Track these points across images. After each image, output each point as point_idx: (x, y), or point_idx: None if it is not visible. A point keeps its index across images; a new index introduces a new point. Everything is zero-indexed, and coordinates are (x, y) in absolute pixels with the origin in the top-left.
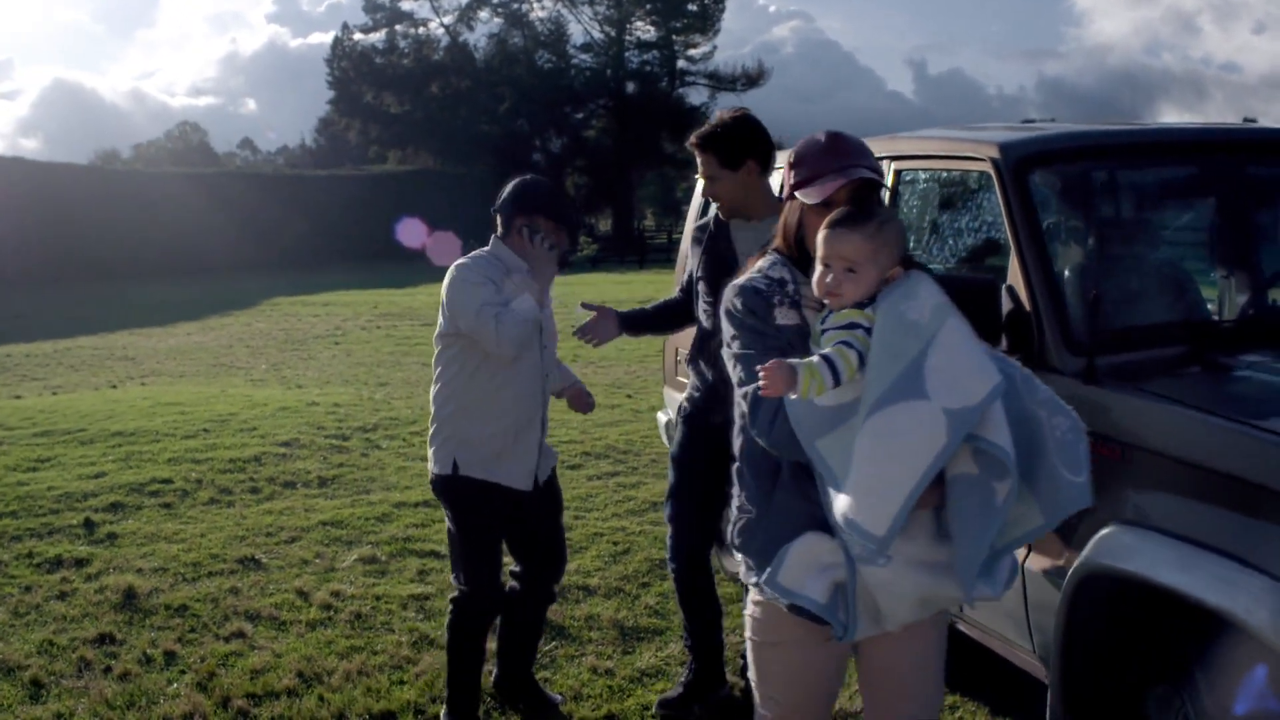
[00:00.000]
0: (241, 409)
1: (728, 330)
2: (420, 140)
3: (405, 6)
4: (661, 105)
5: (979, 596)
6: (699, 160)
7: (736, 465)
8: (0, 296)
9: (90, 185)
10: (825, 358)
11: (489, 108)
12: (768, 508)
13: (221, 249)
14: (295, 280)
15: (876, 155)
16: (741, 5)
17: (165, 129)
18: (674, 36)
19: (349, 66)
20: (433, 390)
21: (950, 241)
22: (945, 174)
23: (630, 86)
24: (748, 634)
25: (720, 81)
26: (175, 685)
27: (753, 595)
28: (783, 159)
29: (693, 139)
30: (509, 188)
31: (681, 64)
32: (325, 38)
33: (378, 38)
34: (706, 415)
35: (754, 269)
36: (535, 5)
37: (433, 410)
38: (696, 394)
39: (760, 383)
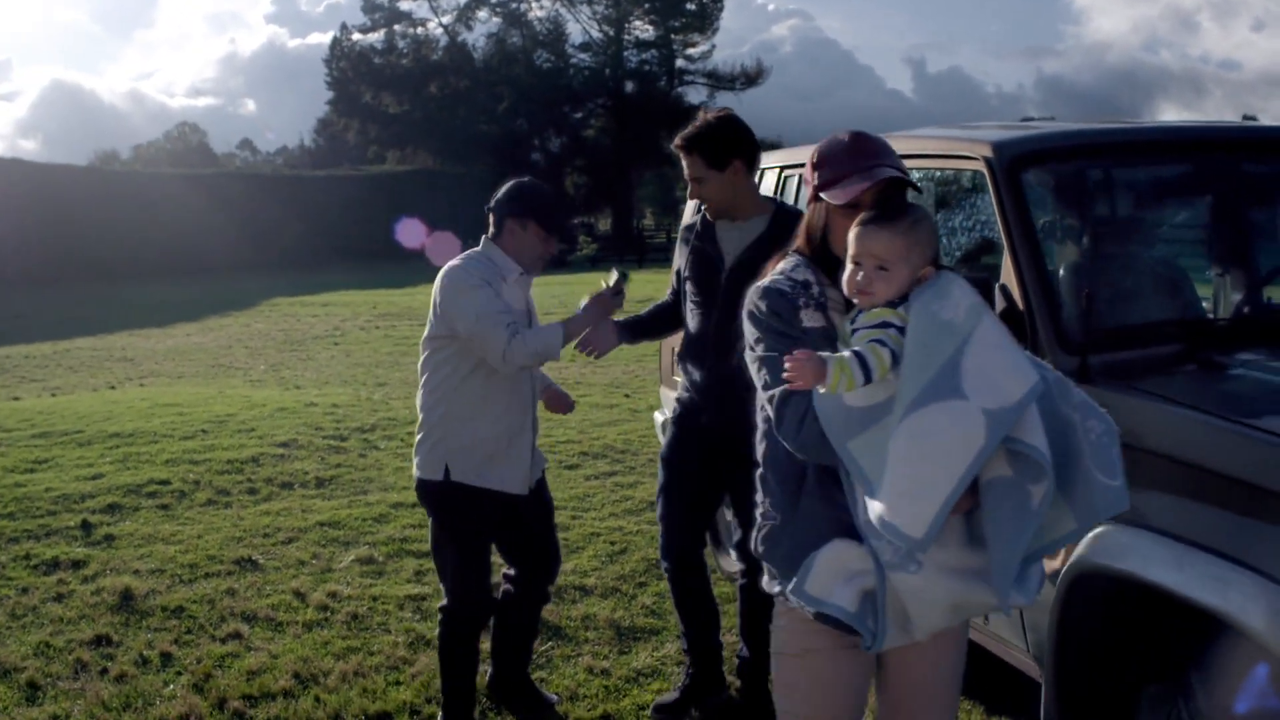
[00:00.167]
0: (240, 410)
1: (751, 333)
2: (419, 140)
3: (404, 6)
4: (660, 104)
5: (1014, 604)
6: (684, 162)
7: (760, 471)
8: None
9: (89, 186)
10: (857, 354)
11: (488, 107)
12: (793, 514)
13: (220, 249)
14: (294, 281)
15: None
16: (740, 4)
17: (164, 130)
18: (672, 35)
19: (348, 67)
20: (420, 394)
21: (944, 241)
22: (940, 173)
23: (629, 86)
24: (773, 648)
25: (719, 80)
26: (171, 687)
27: (777, 606)
28: (776, 158)
29: (678, 141)
30: (504, 188)
31: (680, 63)
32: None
33: (376, 38)
34: (696, 416)
35: (776, 271)
36: (534, 5)
37: (420, 414)
38: (686, 394)
39: (787, 373)
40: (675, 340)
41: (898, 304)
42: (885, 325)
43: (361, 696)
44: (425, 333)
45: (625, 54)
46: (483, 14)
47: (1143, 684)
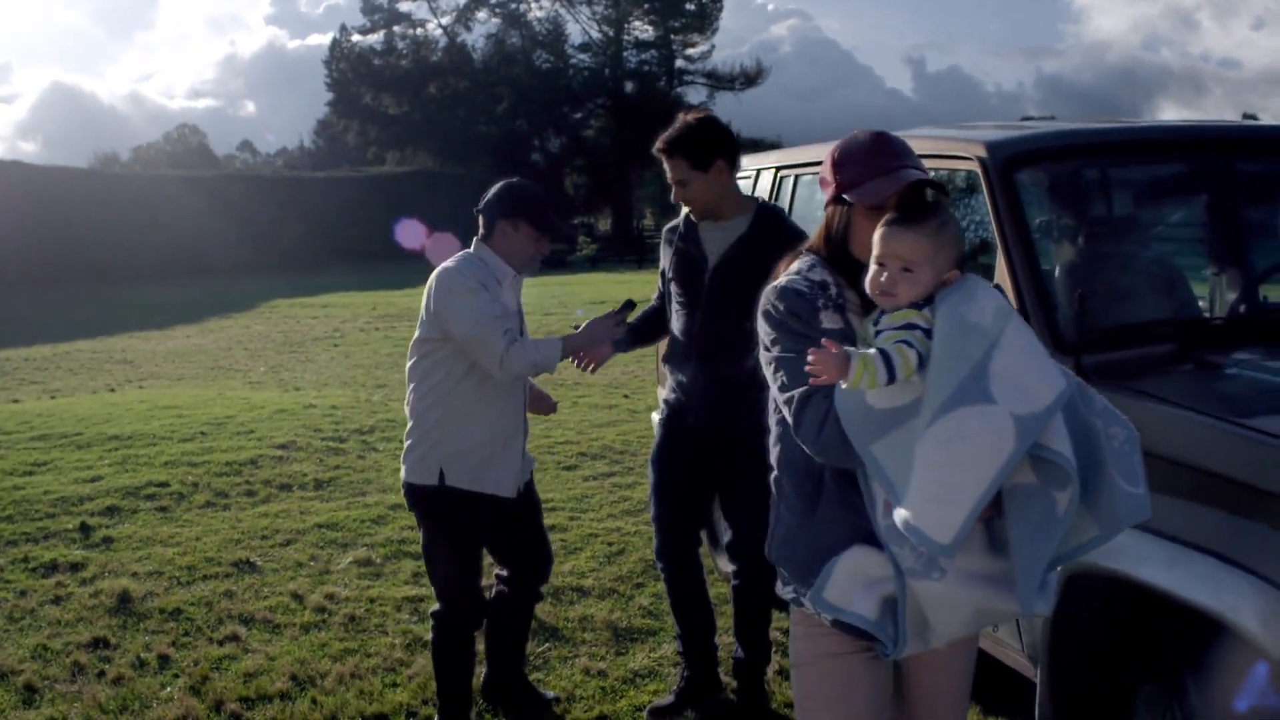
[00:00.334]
0: (239, 412)
1: (766, 334)
2: (419, 141)
3: (403, 7)
4: (660, 105)
5: (1036, 612)
6: (667, 166)
7: (774, 475)
8: None
9: (89, 188)
10: (883, 352)
11: (487, 108)
12: (810, 519)
13: (220, 251)
14: (294, 282)
15: None
16: (739, 4)
17: (164, 131)
18: (672, 36)
19: (347, 68)
20: (411, 398)
21: None
22: (935, 173)
23: (629, 86)
24: (790, 660)
25: (719, 81)
26: (169, 689)
27: (793, 614)
28: (772, 159)
29: (660, 145)
30: (494, 189)
31: (680, 63)
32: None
33: (376, 39)
34: (683, 417)
35: (791, 271)
36: (533, 5)
37: (412, 418)
38: (673, 395)
39: (810, 365)
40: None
41: (922, 306)
42: (911, 327)
43: (358, 698)
44: (416, 335)
45: (625, 54)
46: (482, 15)
47: (1138, 684)
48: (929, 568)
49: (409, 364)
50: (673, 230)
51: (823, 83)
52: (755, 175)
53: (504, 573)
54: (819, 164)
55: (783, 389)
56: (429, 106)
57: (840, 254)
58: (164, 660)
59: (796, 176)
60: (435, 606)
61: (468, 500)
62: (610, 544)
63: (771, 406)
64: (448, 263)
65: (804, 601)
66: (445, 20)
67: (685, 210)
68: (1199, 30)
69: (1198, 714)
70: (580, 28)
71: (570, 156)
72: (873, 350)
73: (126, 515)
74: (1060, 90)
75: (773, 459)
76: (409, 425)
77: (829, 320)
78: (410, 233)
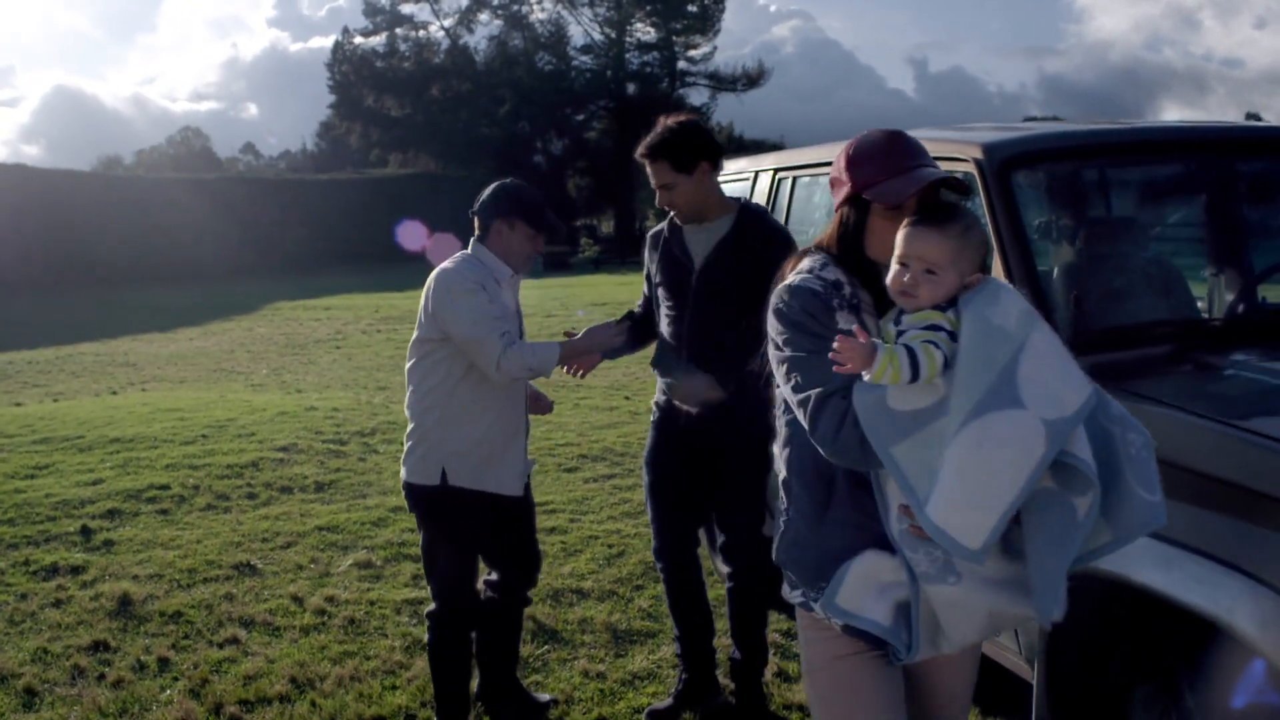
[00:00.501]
0: (240, 414)
1: (779, 332)
2: (421, 143)
3: (405, 10)
4: (662, 106)
5: (1053, 618)
6: (650, 171)
7: (783, 477)
8: (2, 303)
9: (92, 191)
10: (909, 349)
11: (489, 110)
12: (820, 523)
13: (223, 254)
14: (297, 284)
15: None
16: (741, 5)
17: (167, 134)
18: (674, 37)
19: (349, 70)
20: (411, 399)
21: None
22: None
23: (631, 88)
24: (803, 666)
25: (721, 82)
26: (168, 692)
27: (802, 618)
28: (770, 161)
29: (642, 150)
30: (487, 191)
31: (682, 65)
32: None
33: (378, 41)
34: (674, 418)
35: (802, 269)
36: (535, 7)
37: (412, 419)
38: (663, 397)
39: (834, 353)
40: None
41: (945, 308)
42: (935, 328)
43: (357, 701)
44: (415, 335)
45: (627, 56)
46: (484, 17)
47: (1134, 684)
48: (944, 573)
49: (409, 365)
50: (657, 235)
51: (825, 83)
52: (754, 177)
53: (492, 577)
54: (818, 165)
55: (796, 389)
56: (431, 109)
57: (853, 253)
58: (164, 663)
59: (794, 178)
60: (431, 607)
61: (470, 500)
62: (610, 546)
63: (779, 407)
64: (446, 264)
65: (813, 606)
66: (447, 22)
67: (670, 214)
68: (1201, 30)
69: (1194, 716)
70: (582, 29)
71: (572, 158)
72: (898, 345)
73: (127, 518)
74: (1062, 90)
75: (781, 461)
76: (410, 426)
77: (844, 321)
78: (411, 234)
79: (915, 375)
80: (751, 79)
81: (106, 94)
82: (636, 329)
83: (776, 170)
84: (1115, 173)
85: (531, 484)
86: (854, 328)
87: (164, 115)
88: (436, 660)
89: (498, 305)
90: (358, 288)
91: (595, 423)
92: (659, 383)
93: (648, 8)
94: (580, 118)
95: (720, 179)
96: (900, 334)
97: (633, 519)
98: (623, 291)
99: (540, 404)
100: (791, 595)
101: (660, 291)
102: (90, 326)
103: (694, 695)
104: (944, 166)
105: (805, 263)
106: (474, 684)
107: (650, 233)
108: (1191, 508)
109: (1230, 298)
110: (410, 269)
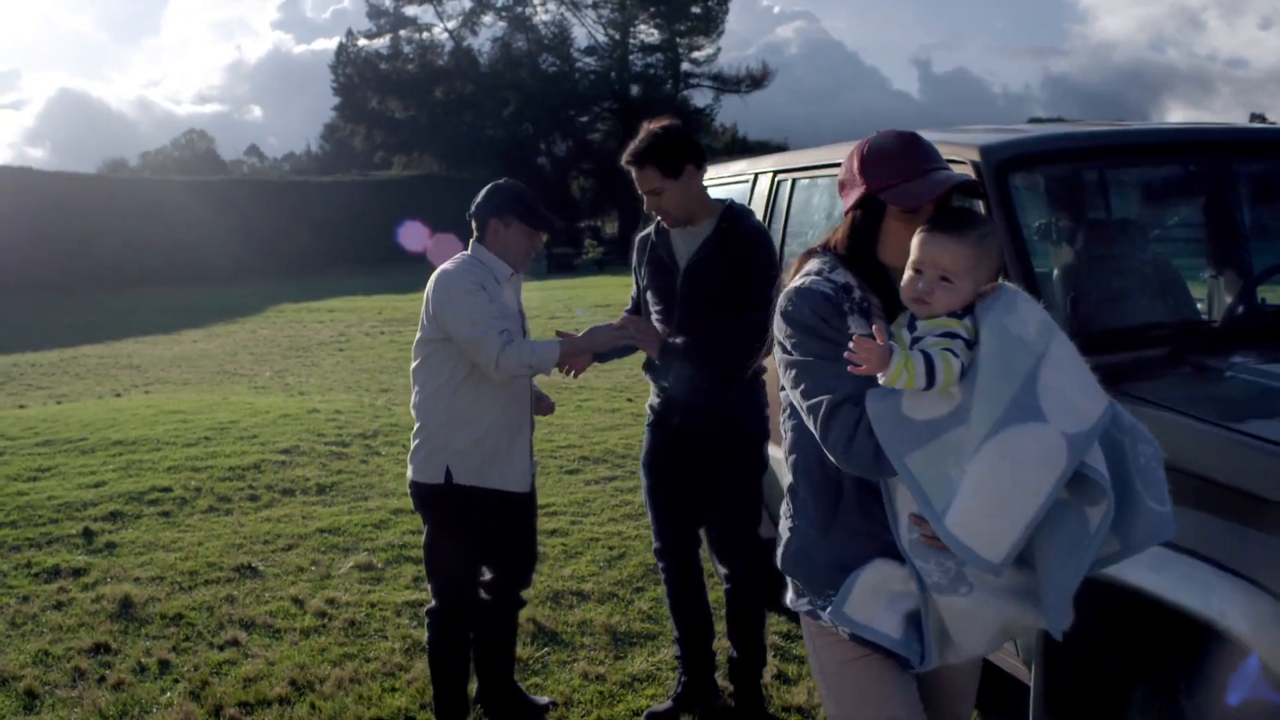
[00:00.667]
0: (243, 416)
1: (787, 336)
2: (425, 145)
3: (409, 12)
4: (666, 108)
5: (1064, 627)
6: (636, 177)
7: (790, 484)
8: (7, 305)
9: (97, 194)
10: (926, 355)
11: (493, 112)
12: (828, 531)
13: (227, 256)
14: (300, 287)
15: None
16: (745, 6)
17: (172, 137)
18: (678, 39)
19: (353, 72)
20: (416, 399)
21: None
22: None
23: (635, 89)
24: (815, 674)
25: (725, 83)
26: (169, 694)
27: (809, 626)
28: (768, 163)
29: (628, 157)
30: (482, 192)
31: (686, 66)
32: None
33: (382, 43)
34: (668, 420)
35: (810, 270)
36: (539, 9)
37: (418, 419)
38: (657, 400)
39: (850, 353)
40: None
41: (961, 316)
42: (952, 335)
43: (357, 703)
44: (418, 336)
45: (631, 57)
46: (488, 19)
47: (1132, 686)
48: (956, 583)
49: (413, 365)
50: (644, 239)
51: (829, 84)
52: (753, 179)
53: (486, 578)
54: (816, 168)
55: (806, 394)
56: (435, 111)
57: (864, 256)
58: (164, 665)
59: (794, 180)
60: (431, 605)
61: (477, 497)
62: (611, 548)
63: (785, 411)
64: (446, 265)
65: (821, 615)
66: (451, 24)
67: (657, 219)
68: (1206, 30)
69: (1190, 717)
70: (586, 31)
71: (576, 160)
72: (915, 350)
73: (129, 520)
74: (1067, 91)
75: (787, 467)
76: (415, 426)
77: (855, 324)
78: (413, 235)
79: (931, 383)
80: (755, 80)
81: (111, 97)
82: None
83: (775, 173)
84: (1113, 174)
85: (535, 484)
86: (874, 328)
87: (168, 118)
88: (436, 660)
89: (497, 304)
90: (361, 290)
91: (597, 424)
92: (652, 385)
93: (651, 9)
94: (584, 119)
95: (720, 181)
96: (916, 340)
97: (633, 521)
98: (626, 293)
99: (542, 405)
100: (798, 603)
101: (649, 295)
102: (94, 329)
103: (693, 697)
104: None
105: (812, 264)
106: (472, 688)
107: (638, 236)
108: (1187, 510)
109: (1229, 299)
110: (413, 271)
